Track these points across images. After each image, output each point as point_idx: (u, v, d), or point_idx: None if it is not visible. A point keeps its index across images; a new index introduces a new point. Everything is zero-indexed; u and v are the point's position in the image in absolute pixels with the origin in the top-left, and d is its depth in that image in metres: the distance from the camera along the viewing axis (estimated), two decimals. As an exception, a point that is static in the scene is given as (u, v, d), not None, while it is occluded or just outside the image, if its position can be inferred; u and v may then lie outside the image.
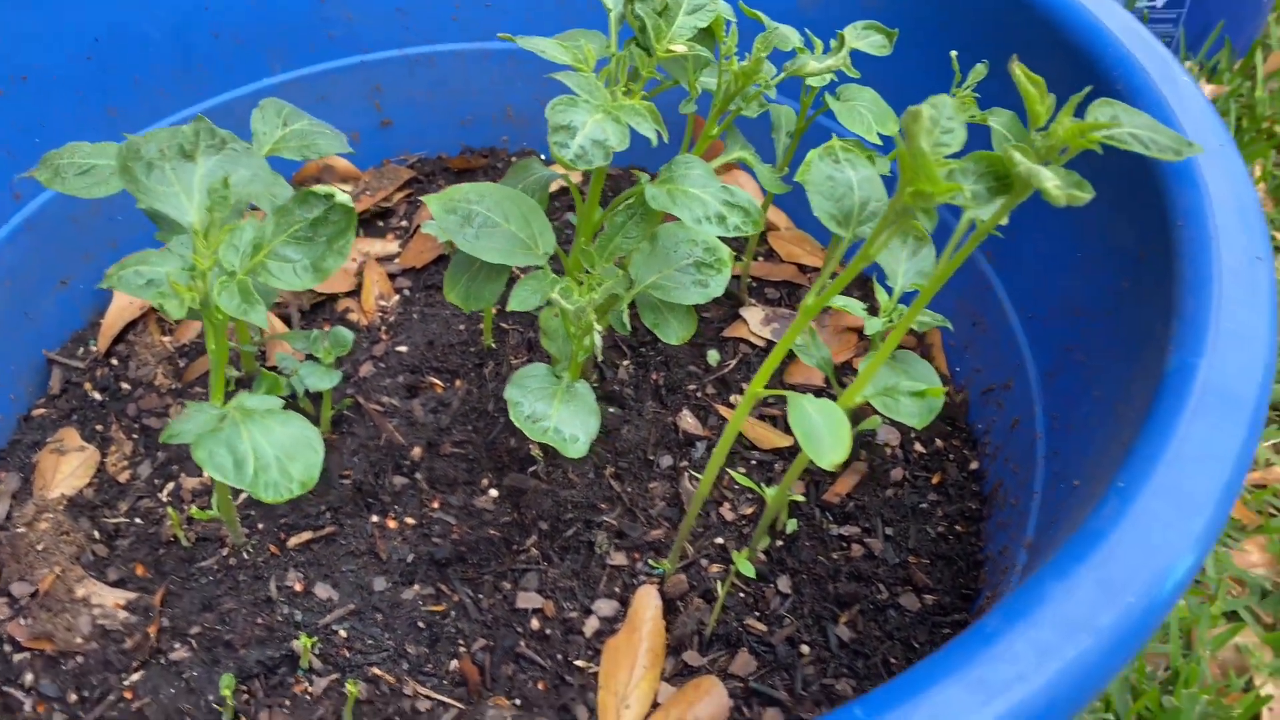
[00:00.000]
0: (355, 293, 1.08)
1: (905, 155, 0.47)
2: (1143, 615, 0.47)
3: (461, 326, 1.03)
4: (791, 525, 0.87)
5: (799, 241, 1.14)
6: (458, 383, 0.98)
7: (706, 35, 0.75)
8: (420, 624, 0.81)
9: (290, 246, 0.61)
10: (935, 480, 0.93)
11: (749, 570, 0.75)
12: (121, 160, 0.64)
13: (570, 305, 0.71)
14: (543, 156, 1.23)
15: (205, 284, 0.61)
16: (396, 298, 1.07)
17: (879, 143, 0.82)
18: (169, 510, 0.87)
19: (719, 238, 0.77)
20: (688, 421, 0.96)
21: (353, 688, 0.75)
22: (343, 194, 0.60)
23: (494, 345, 1.01)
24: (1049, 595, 0.48)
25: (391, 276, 1.10)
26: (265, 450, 0.63)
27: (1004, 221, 0.56)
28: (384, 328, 1.04)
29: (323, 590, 0.83)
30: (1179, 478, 0.52)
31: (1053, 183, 0.47)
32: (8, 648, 0.80)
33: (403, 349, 1.00)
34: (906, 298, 0.78)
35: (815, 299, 0.60)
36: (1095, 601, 0.47)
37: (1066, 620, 0.47)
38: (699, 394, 0.98)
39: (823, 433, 0.59)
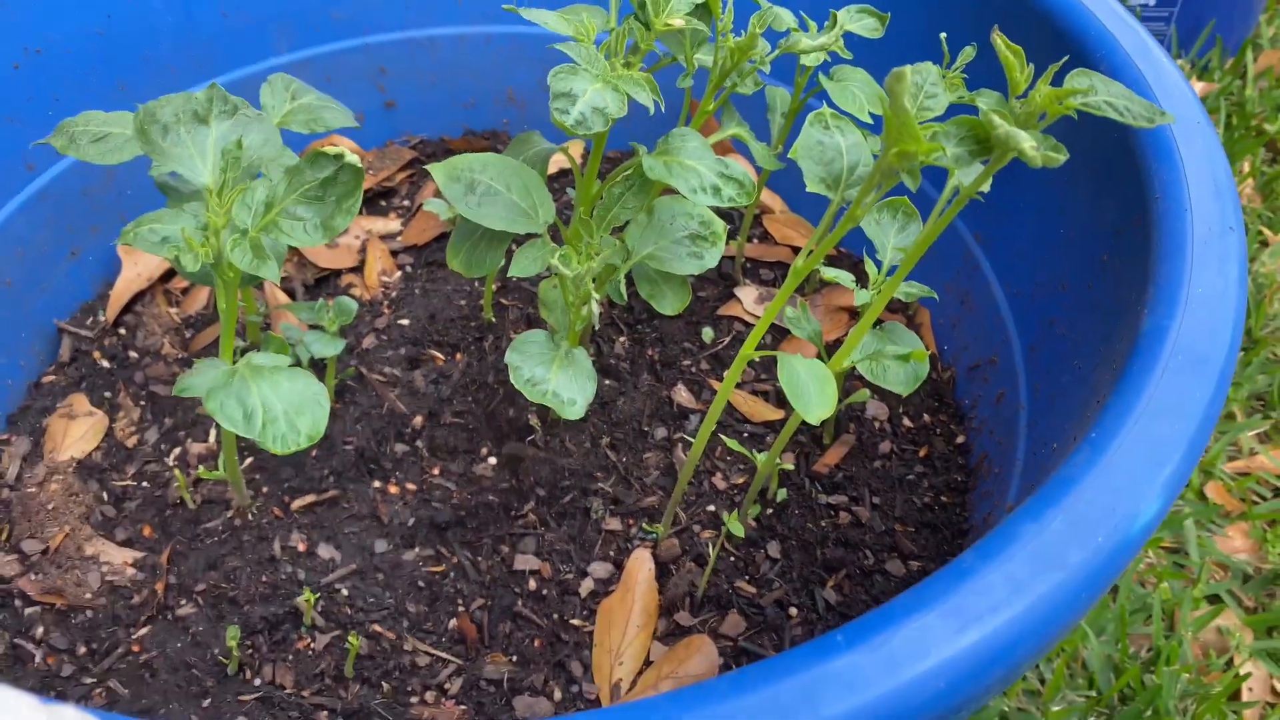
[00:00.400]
0: (358, 269, 1.10)
1: (890, 116, 0.50)
2: (1111, 554, 0.50)
3: (462, 302, 1.05)
4: (781, 494, 0.90)
5: (793, 224, 1.17)
6: (458, 355, 1.00)
7: (704, 12, 0.77)
8: (420, 584, 0.84)
9: (301, 205, 0.64)
10: (922, 453, 0.95)
11: (739, 530, 0.78)
12: (138, 124, 0.67)
13: (569, 271, 0.74)
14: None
15: (218, 241, 0.63)
16: (399, 274, 1.10)
17: (870, 121, 0.84)
18: (175, 474, 0.89)
19: (714, 211, 0.79)
20: (682, 395, 0.98)
21: (354, 641, 0.77)
22: (351, 154, 0.63)
23: (494, 320, 1.03)
24: (1023, 534, 0.50)
25: (394, 253, 1.12)
26: (274, 404, 0.66)
27: (985, 188, 0.58)
28: (386, 302, 1.06)
29: (325, 551, 0.85)
30: (1148, 430, 0.55)
31: (1029, 144, 0.49)
32: (19, 602, 0.82)
33: (404, 322, 1.03)
34: (895, 271, 0.81)
35: (804, 261, 0.63)
36: (1066, 540, 0.50)
37: (1039, 557, 0.49)
38: (693, 369, 1.01)
39: (810, 389, 0.62)
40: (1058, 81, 0.57)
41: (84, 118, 0.79)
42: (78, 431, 0.93)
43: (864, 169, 0.59)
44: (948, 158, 0.53)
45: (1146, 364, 0.58)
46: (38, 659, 0.79)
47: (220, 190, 0.64)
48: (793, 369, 0.63)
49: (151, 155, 0.66)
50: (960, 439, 0.96)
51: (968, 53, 0.84)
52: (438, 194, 1.16)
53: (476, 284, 1.07)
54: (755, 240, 1.16)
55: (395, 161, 1.21)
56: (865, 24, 0.87)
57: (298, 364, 0.92)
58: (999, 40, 0.55)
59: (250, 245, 0.63)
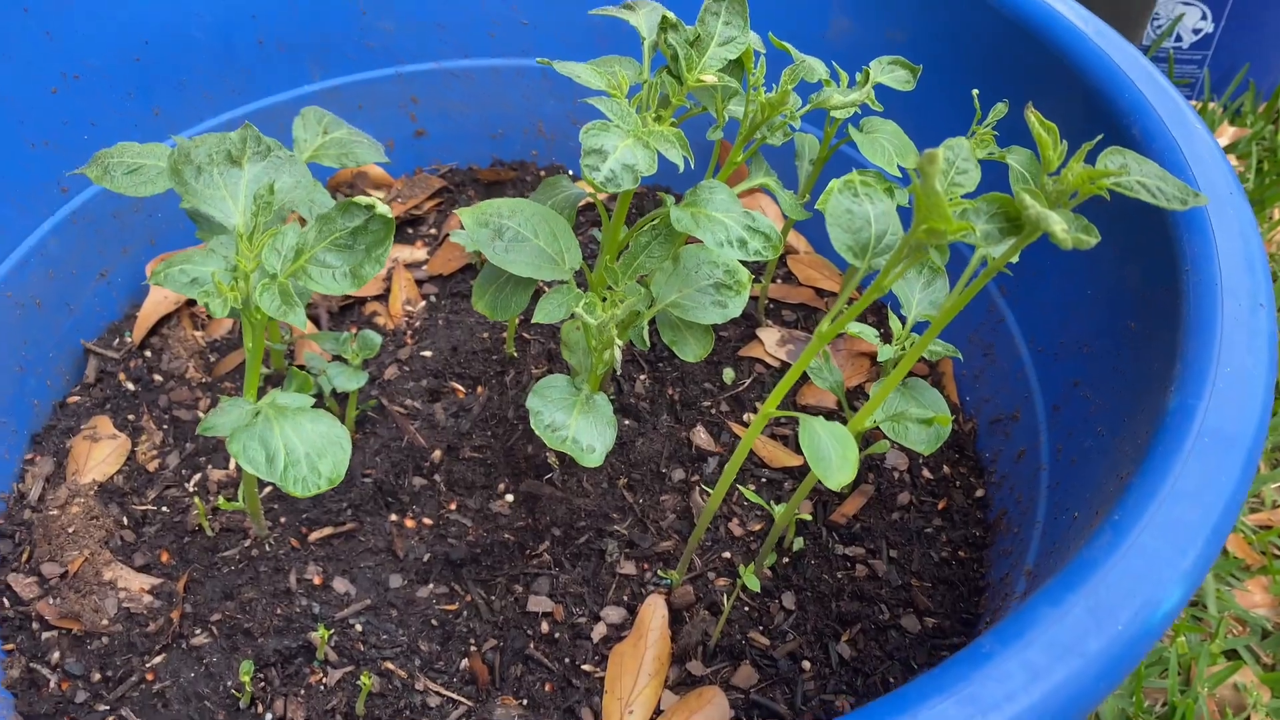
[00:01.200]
0: (383, 297, 1.11)
1: (920, 194, 0.50)
2: (1130, 643, 0.49)
3: (485, 334, 1.05)
4: (798, 543, 0.89)
5: (817, 266, 1.16)
6: (479, 389, 1.00)
7: (736, 65, 0.77)
8: (433, 622, 0.84)
9: (330, 252, 0.64)
10: (941, 506, 0.95)
11: (755, 584, 0.77)
12: (173, 163, 0.67)
13: (593, 320, 0.74)
14: (570, 172, 1.26)
15: (247, 285, 0.64)
16: (423, 303, 1.10)
17: (899, 175, 0.84)
18: (195, 500, 0.90)
19: (739, 261, 0.79)
20: (701, 437, 0.98)
21: (366, 680, 0.77)
22: (383, 205, 0.63)
23: (516, 354, 1.03)
24: (1042, 619, 0.50)
25: (419, 283, 1.13)
26: (296, 446, 0.66)
27: (1015, 259, 0.58)
28: (409, 332, 1.07)
29: (341, 584, 0.85)
30: (1172, 514, 0.54)
31: (1060, 226, 0.49)
32: (36, 625, 0.83)
33: (427, 354, 1.03)
34: (919, 327, 0.81)
35: (830, 325, 0.62)
36: (1085, 627, 0.49)
37: (1057, 644, 0.49)
38: (713, 411, 1.01)
39: (831, 454, 0.62)
40: (1092, 157, 0.57)
41: (119, 149, 0.80)
42: (100, 454, 0.94)
43: (891, 237, 0.59)
44: (977, 235, 0.53)
45: (1172, 445, 0.57)
46: (52, 684, 0.80)
47: (251, 234, 0.64)
48: (814, 432, 0.63)
49: (183, 195, 0.66)
50: (980, 493, 0.95)
51: (999, 109, 0.84)
52: (464, 224, 1.16)
53: (500, 317, 1.07)
54: (779, 280, 1.15)
55: (424, 190, 1.21)
56: (897, 76, 0.87)
57: (320, 396, 0.93)
58: (1032, 117, 0.54)
59: (279, 291, 0.63)
